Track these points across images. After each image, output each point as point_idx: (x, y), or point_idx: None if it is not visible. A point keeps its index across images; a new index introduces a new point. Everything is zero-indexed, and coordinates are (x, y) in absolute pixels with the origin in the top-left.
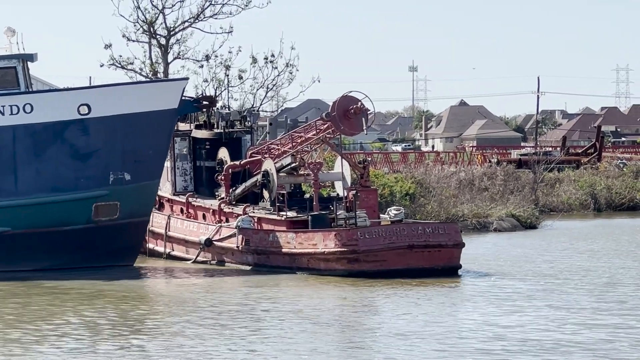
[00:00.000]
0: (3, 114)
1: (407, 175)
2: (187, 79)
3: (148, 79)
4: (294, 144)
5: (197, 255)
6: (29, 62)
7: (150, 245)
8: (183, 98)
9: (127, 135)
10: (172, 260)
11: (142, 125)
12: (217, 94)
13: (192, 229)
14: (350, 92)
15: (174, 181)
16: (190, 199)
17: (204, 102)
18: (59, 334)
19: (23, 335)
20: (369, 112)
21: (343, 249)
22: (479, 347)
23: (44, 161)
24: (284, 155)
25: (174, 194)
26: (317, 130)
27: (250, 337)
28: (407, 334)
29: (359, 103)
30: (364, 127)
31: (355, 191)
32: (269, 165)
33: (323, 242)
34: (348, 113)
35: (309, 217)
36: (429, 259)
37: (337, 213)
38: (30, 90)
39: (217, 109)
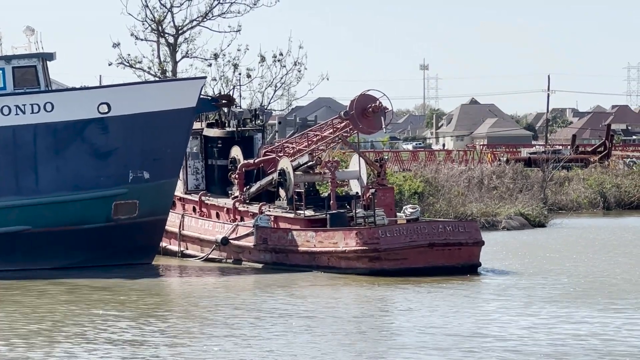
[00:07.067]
0: (24, 113)
1: (416, 174)
2: (204, 77)
3: (158, 78)
4: (309, 142)
5: (209, 253)
6: (48, 61)
7: (163, 244)
8: (201, 97)
9: (146, 134)
10: (187, 259)
11: (161, 123)
12: (233, 93)
13: (207, 227)
14: (368, 90)
15: (185, 180)
16: (203, 198)
17: (223, 101)
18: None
19: (31, 332)
20: (386, 111)
21: (364, 248)
22: (503, 347)
23: (64, 160)
24: (300, 154)
25: (185, 193)
26: (334, 129)
27: (272, 336)
28: (429, 333)
29: (377, 101)
30: (383, 126)
31: (373, 189)
32: (285, 163)
33: (344, 241)
34: (366, 111)
35: (328, 215)
36: (449, 257)
37: (356, 211)
38: (50, 89)
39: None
